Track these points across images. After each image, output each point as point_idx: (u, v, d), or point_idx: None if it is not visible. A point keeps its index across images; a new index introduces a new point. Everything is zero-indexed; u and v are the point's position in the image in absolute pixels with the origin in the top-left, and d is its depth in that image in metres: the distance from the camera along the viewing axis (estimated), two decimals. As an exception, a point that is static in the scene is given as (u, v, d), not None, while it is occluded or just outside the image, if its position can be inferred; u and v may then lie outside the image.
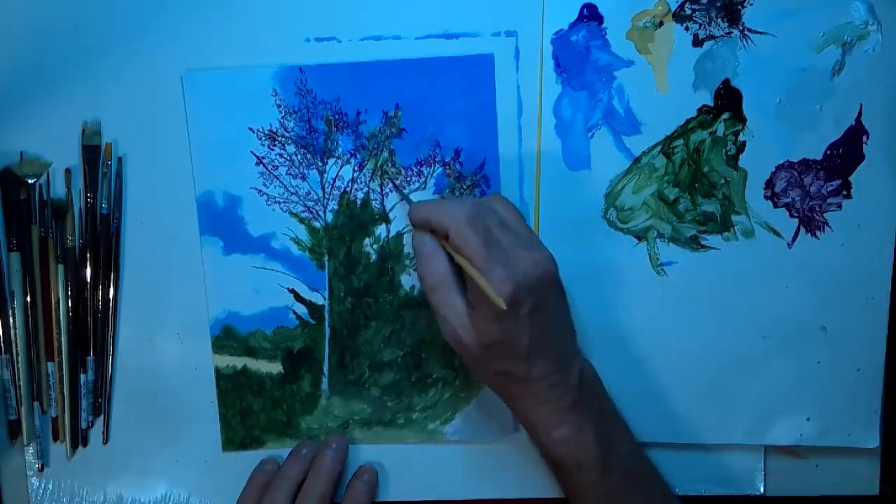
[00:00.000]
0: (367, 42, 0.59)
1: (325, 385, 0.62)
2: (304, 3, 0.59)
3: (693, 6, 0.59)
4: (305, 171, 0.61)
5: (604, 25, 0.59)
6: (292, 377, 0.62)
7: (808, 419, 0.61)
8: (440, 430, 0.62)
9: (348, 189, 0.61)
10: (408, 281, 0.61)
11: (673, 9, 0.59)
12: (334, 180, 0.61)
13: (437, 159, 0.60)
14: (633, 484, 0.56)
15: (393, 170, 0.60)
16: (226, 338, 0.61)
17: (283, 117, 0.60)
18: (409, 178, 0.60)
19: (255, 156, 0.60)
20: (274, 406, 0.62)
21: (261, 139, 0.60)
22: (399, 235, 0.61)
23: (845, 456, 0.62)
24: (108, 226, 0.60)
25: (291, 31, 0.60)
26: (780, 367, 0.61)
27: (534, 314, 0.52)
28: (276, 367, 0.62)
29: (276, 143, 0.60)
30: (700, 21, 0.59)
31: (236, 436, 0.62)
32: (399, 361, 0.62)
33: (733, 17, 0.59)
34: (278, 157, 0.60)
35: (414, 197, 0.60)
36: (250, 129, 0.60)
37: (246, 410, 0.62)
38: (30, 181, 0.60)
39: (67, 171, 0.60)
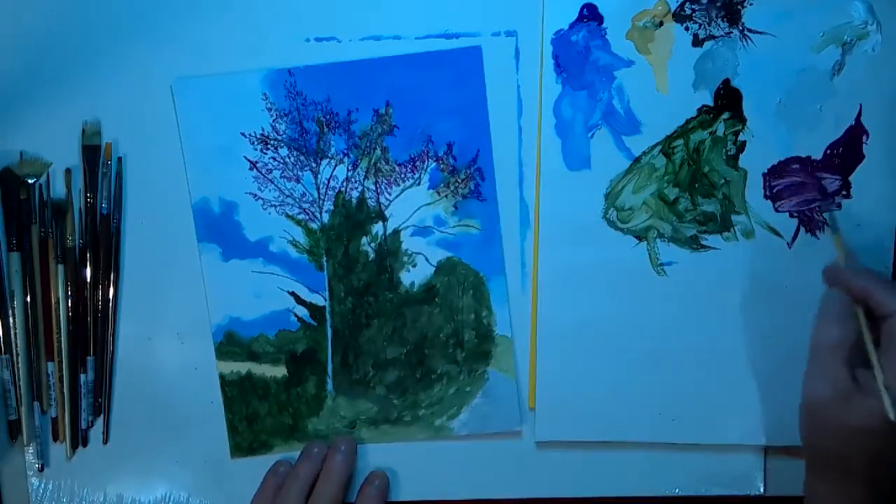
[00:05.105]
0: (367, 42, 0.59)
1: (329, 386, 0.62)
2: (305, 4, 0.59)
3: (693, 6, 0.59)
4: (299, 172, 0.61)
5: (604, 25, 0.59)
6: (297, 380, 0.62)
7: (807, 419, 0.61)
8: (447, 426, 0.62)
9: (343, 189, 0.61)
10: (407, 277, 0.61)
11: (673, 9, 0.59)
12: (329, 181, 0.61)
13: (430, 154, 0.60)
14: None
15: (387, 167, 0.60)
16: (229, 344, 0.61)
17: (274, 120, 0.60)
18: (403, 175, 0.60)
19: (249, 160, 0.60)
20: (280, 410, 0.62)
21: (253, 143, 0.60)
22: (396, 232, 0.61)
23: (845, 455, 0.62)
24: (108, 226, 0.60)
25: (292, 32, 0.59)
26: (780, 366, 0.61)
27: None
28: (280, 371, 0.62)
29: (269, 146, 0.60)
30: (700, 21, 0.59)
31: (244, 441, 0.62)
32: (403, 359, 0.62)
33: (733, 17, 0.59)
34: (272, 160, 0.60)
35: (410, 194, 0.60)
36: (242, 133, 0.60)
37: (252, 415, 0.62)
38: (30, 181, 0.60)
39: (67, 171, 0.60)
